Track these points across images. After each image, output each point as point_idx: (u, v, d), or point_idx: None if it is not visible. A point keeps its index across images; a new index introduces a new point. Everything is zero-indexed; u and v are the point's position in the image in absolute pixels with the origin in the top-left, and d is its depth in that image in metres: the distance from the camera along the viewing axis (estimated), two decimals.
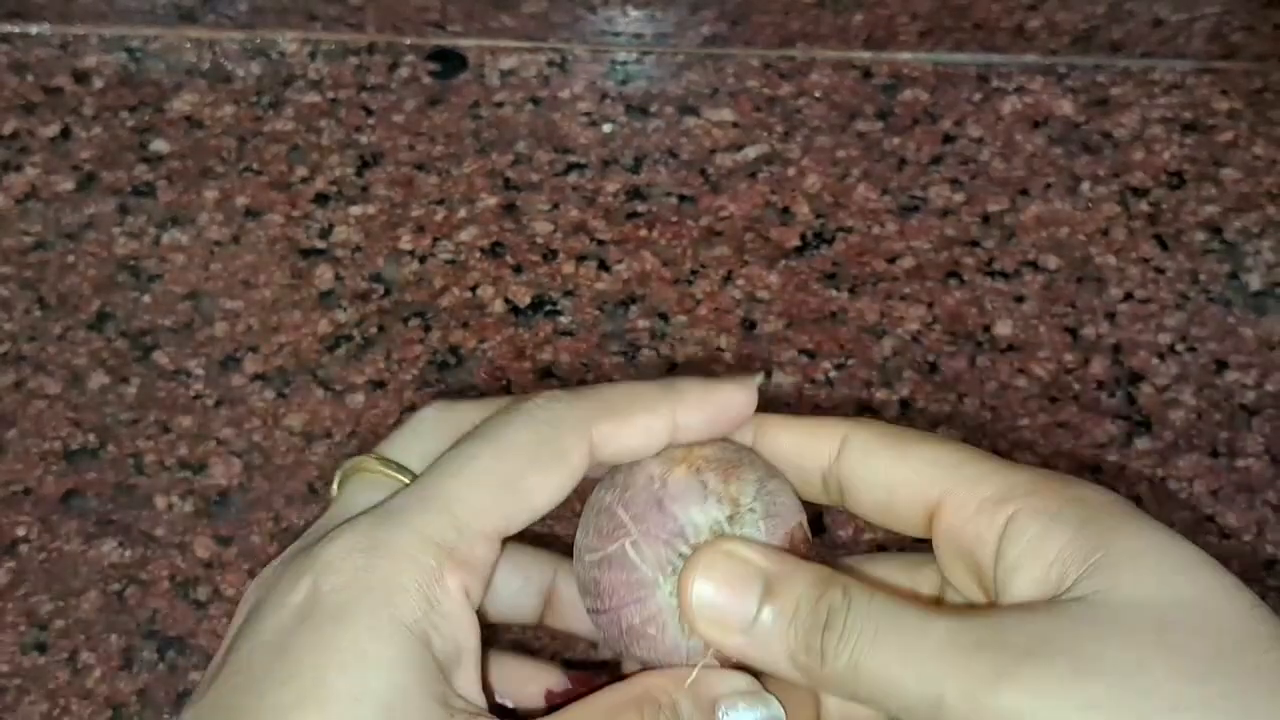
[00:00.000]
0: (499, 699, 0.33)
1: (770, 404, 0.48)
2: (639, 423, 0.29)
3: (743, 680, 0.29)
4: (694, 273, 0.51)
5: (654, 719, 0.27)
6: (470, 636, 0.27)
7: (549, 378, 0.49)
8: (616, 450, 0.29)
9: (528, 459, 0.28)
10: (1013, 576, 0.27)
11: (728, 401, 0.31)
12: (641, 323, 0.51)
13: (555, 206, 0.53)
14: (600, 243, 0.52)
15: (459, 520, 0.27)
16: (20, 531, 0.46)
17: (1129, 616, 0.24)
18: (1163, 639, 0.24)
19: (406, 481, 0.29)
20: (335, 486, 0.31)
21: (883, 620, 0.26)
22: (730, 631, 0.28)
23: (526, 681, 0.34)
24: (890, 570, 0.32)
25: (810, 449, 0.30)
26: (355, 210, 0.53)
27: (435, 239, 0.53)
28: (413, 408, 0.49)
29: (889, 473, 0.29)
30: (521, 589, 0.34)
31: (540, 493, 0.28)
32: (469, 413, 0.30)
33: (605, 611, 0.30)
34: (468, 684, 0.27)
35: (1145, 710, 0.23)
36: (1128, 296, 0.51)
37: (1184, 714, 0.23)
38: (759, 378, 0.31)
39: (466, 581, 0.27)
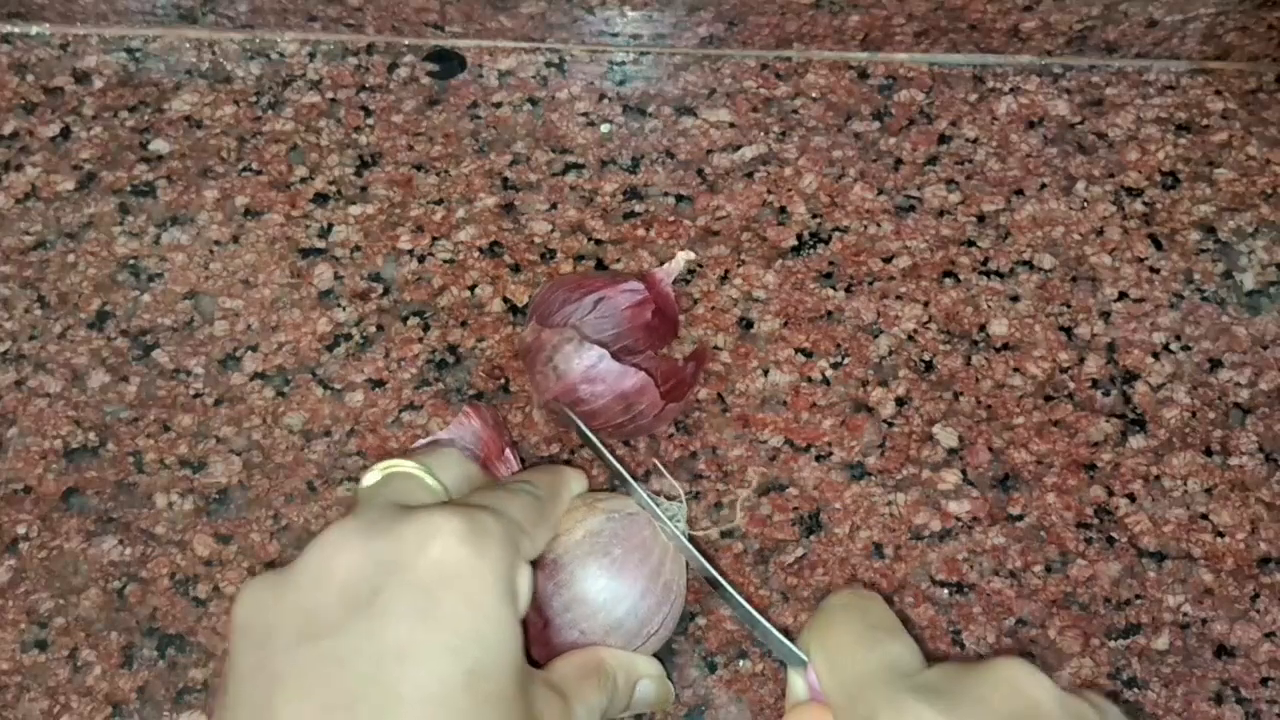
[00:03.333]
0: None
1: (766, 403, 0.49)
2: (557, 512, 0.40)
3: (656, 667, 0.41)
4: (691, 272, 0.52)
5: (604, 682, 0.38)
6: (526, 607, 0.34)
7: None
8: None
9: (539, 513, 0.38)
10: None
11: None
12: None
13: (553, 206, 0.54)
14: (598, 242, 0.53)
15: (519, 530, 0.35)
16: (21, 529, 0.47)
17: None
18: None
19: (439, 491, 0.37)
20: (377, 475, 0.36)
21: None
22: None
23: None
24: None
25: None
26: (354, 210, 0.53)
27: (434, 238, 0.53)
28: (412, 406, 0.49)
29: None
30: None
31: (543, 537, 0.38)
32: (471, 467, 0.40)
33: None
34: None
35: None
36: (1122, 296, 0.52)
37: None
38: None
39: (525, 569, 0.34)
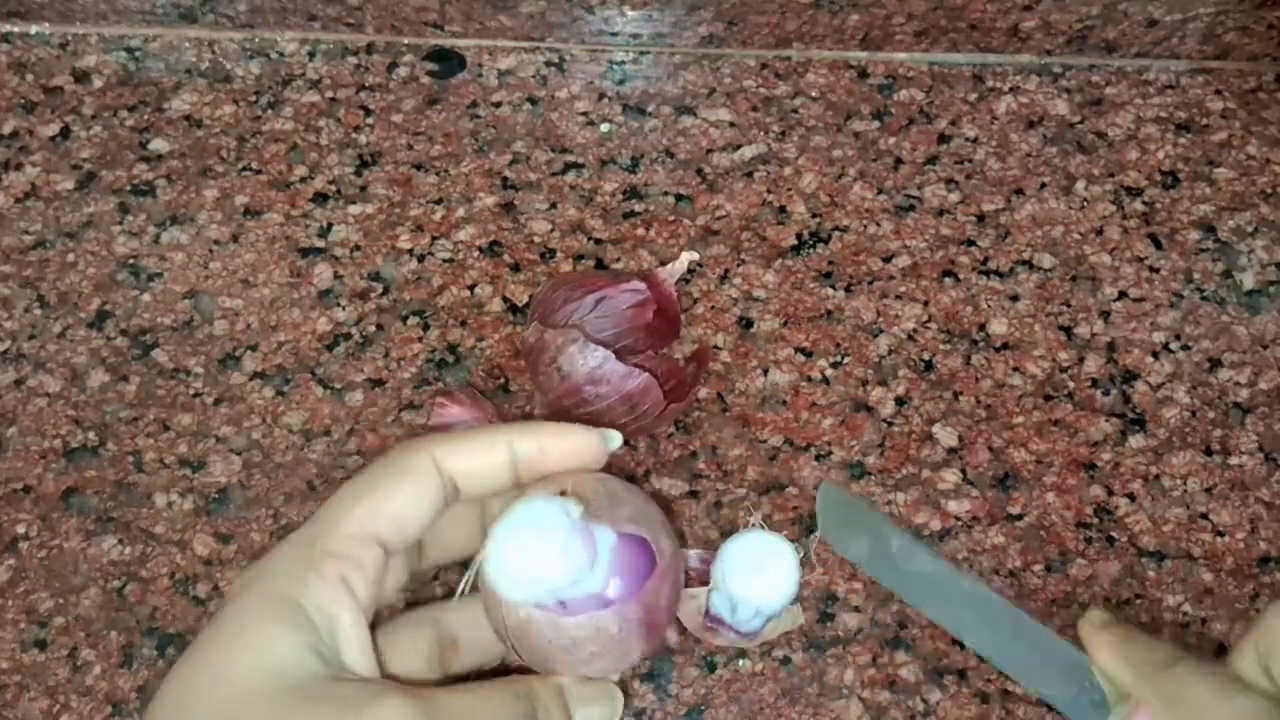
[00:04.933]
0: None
1: (766, 402, 0.49)
2: (474, 443, 0.35)
3: (600, 690, 0.36)
4: (691, 271, 0.52)
5: (524, 697, 0.34)
6: (346, 611, 0.32)
7: None
8: (461, 469, 0.35)
9: (376, 477, 0.34)
10: None
11: (565, 432, 0.36)
12: None
13: (553, 206, 0.54)
14: (598, 242, 0.53)
15: (323, 526, 0.33)
16: (20, 529, 0.47)
17: None
18: None
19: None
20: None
21: None
22: None
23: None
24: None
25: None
26: (354, 209, 0.53)
27: (434, 238, 0.53)
28: (411, 406, 0.49)
29: None
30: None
31: (392, 495, 0.34)
32: None
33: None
34: (353, 655, 0.32)
35: None
36: (1122, 295, 0.52)
37: None
38: (612, 436, 0.36)
39: (340, 570, 0.32)
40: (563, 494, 0.34)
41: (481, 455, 0.35)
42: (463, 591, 0.34)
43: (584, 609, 0.33)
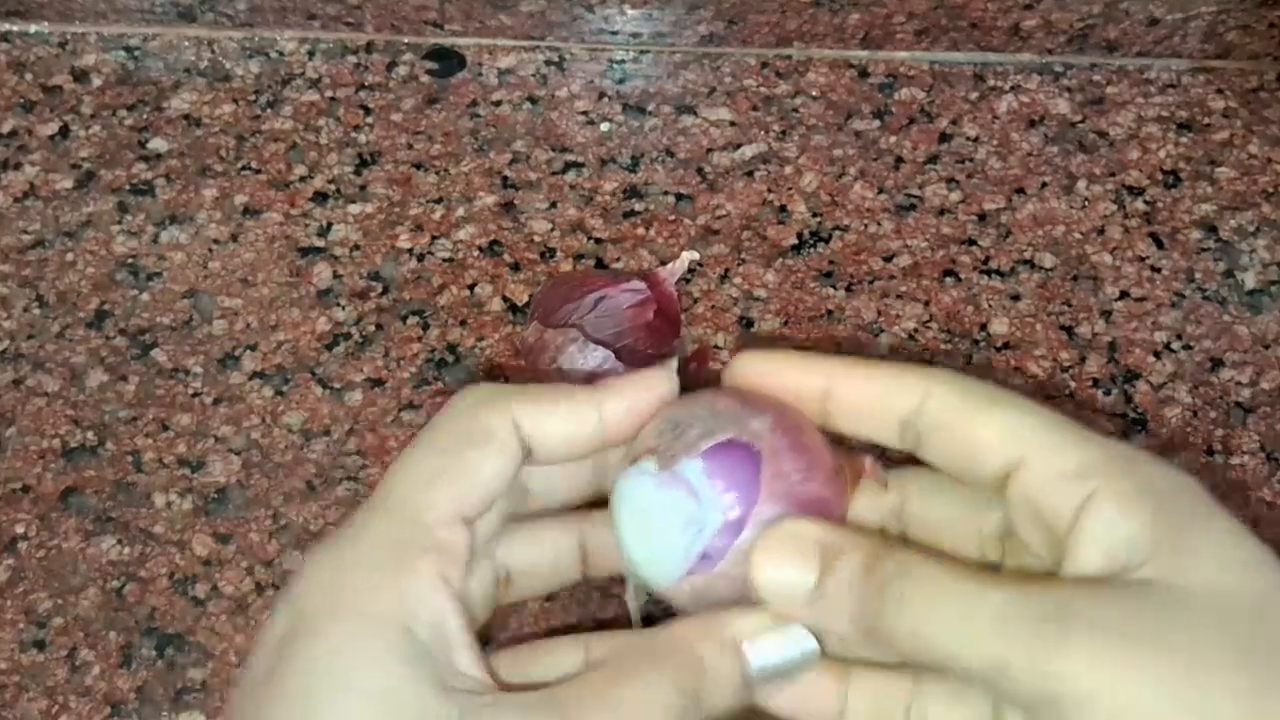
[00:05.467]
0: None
1: None
2: (560, 407, 0.30)
3: (765, 617, 0.30)
4: (691, 271, 0.52)
5: (685, 687, 0.28)
6: (452, 616, 0.28)
7: None
8: (544, 434, 0.30)
9: (457, 441, 0.29)
10: (1082, 550, 0.27)
11: (649, 384, 0.32)
12: None
13: (553, 205, 0.53)
14: (598, 241, 0.52)
15: (407, 515, 0.28)
16: (19, 529, 0.47)
17: (1191, 603, 0.25)
18: (1223, 626, 0.25)
19: None
20: None
21: (939, 588, 0.27)
22: (796, 603, 0.29)
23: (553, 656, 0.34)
24: (953, 502, 0.33)
25: (892, 399, 0.31)
26: (354, 209, 0.53)
27: (433, 237, 0.53)
28: (411, 406, 0.49)
29: (970, 432, 0.30)
30: (552, 557, 0.35)
31: (479, 470, 0.29)
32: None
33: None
34: (465, 662, 0.28)
35: (1205, 687, 0.24)
36: (1123, 295, 0.52)
37: (1240, 697, 0.24)
38: (673, 362, 0.32)
39: (437, 567, 0.27)
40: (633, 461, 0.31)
41: (572, 422, 0.31)
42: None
43: (724, 546, 0.30)
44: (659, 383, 0.32)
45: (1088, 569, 0.27)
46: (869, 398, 0.32)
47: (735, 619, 0.30)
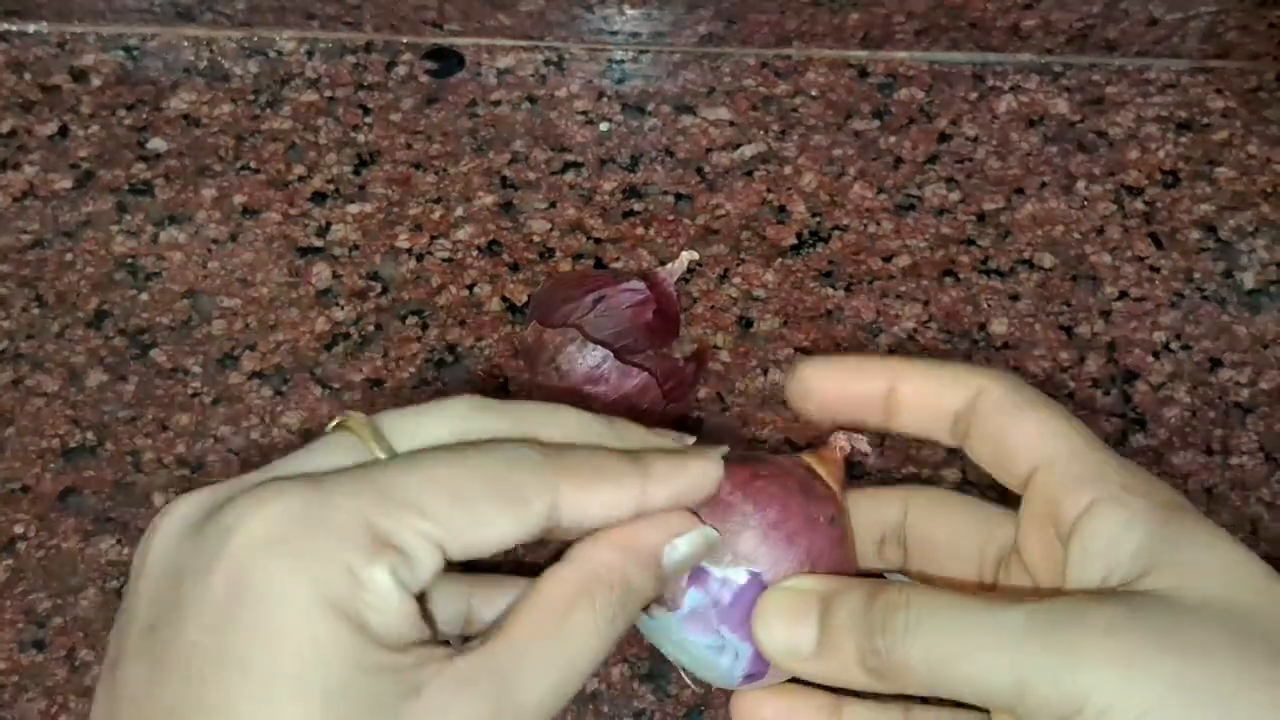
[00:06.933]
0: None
1: (767, 401, 0.49)
2: (603, 495, 0.28)
3: (675, 519, 0.30)
4: (691, 271, 0.52)
5: (607, 603, 0.27)
6: (403, 623, 0.25)
7: None
8: (577, 517, 0.28)
9: (485, 487, 0.26)
10: (1085, 558, 0.28)
11: (695, 478, 0.30)
12: None
13: (552, 205, 0.53)
14: (597, 241, 0.52)
15: (395, 508, 0.25)
16: (18, 529, 0.47)
17: (1196, 611, 0.26)
18: (1229, 631, 0.25)
19: (381, 457, 0.28)
20: (328, 429, 0.29)
21: (948, 613, 0.27)
22: (802, 659, 0.30)
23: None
24: (957, 520, 0.34)
25: (948, 394, 0.32)
26: (353, 209, 0.53)
27: (433, 237, 0.53)
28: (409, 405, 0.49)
29: (1011, 429, 0.31)
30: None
31: (489, 525, 0.26)
32: (497, 421, 0.29)
33: None
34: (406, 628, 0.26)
35: (1221, 686, 0.24)
36: (1123, 295, 0.52)
37: (1259, 689, 0.24)
38: (723, 449, 0.31)
39: (398, 568, 0.25)
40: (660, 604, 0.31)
41: (611, 509, 0.28)
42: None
43: (767, 665, 0.31)
44: (707, 477, 0.30)
45: (1089, 578, 0.28)
46: (927, 394, 0.32)
47: (647, 531, 0.29)
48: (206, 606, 0.24)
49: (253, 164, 0.54)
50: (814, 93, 0.56)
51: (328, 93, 0.56)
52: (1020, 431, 0.30)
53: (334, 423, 0.29)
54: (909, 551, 0.34)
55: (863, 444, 0.34)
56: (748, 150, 0.55)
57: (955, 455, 0.48)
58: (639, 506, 0.29)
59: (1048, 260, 0.52)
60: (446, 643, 0.27)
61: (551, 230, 0.53)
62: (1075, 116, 0.56)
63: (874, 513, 0.34)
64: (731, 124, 0.56)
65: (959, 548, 0.33)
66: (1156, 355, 0.50)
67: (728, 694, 0.44)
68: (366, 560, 0.24)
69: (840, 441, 0.34)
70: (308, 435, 0.48)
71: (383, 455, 0.28)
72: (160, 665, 0.25)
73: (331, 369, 0.50)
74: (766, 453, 0.35)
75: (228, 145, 0.55)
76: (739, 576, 0.31)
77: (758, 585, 0.31)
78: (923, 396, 0.32)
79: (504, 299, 0.51)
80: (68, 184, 0.54)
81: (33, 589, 0.45)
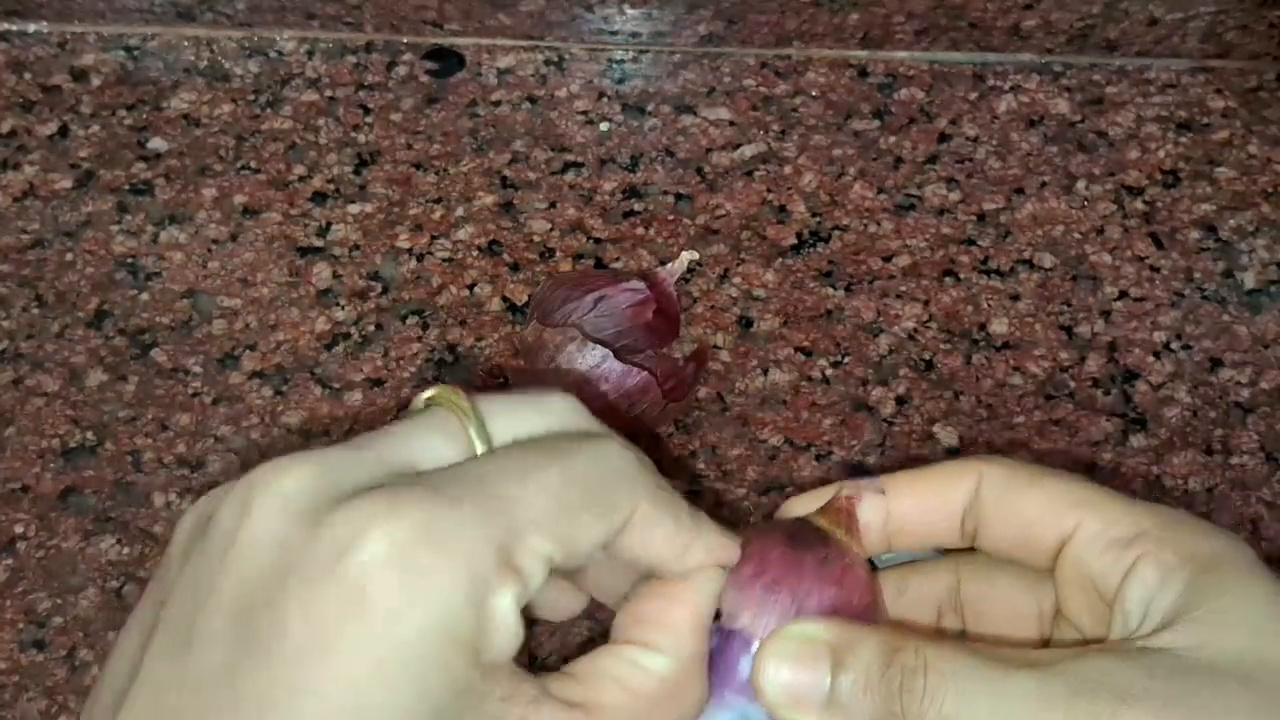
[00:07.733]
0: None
1: (766, 402, 0.49)
2: (665, 530, 0.28)
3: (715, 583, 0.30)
4: (691, 271, 0.52)
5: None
6: (514, 647, 0.25)
7: None
8: (631, 544, 0.28)
9: (586, 494, 0.26)
10: (1126, 619, 0.28)
11: (729, 550, 0.30)
12: None
13: (552, 205, 0.53)
14: (597, 241, 0.52)
15: (518, 528, 0.25)
16: (18, 529, 0.47)
17: (1217, 670, 0.26)
18: (1247, 692, 0.25)
19: (480, 450, 0.27)
20: (420, 402, 0.29)
21: (966, 676, 0.27)
22: (808, 709, 0.28)
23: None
24: (1011, 580, 0.33)
25: (948, 494, 0.31)
26: (353, 208, 0.53)
27: (433, 237, 0.53)
28: (409, 405, 0.49)
29: (1025, 506, 0.30)
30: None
31: (587, 533, 0.26)
32: (590, 422, 0.29)
33: None
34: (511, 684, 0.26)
35: None
36: (1123, 295, 0.52)
37: None
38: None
39: (516, 591, 0.25)
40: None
41: (657, 548, 0.28)
42: None
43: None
44: (731, 551, 0.30)
45: (1130, 628, 0.28)
46: (926, 503, 0.32)
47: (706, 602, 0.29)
48: (313, 614, 0.23)
49: (253, 164, 0.54)
50: (814, 93, 0.56)
51: (328, 93, 0.56)
52: (1034, 506, 0.30)
53: (427, 394, 0.28)
54: (966, 619, 0.34)
55: (871, 488, 0.33)
56: (748, 150, 0.55)
57: (956, 454, 0.48)
58: (682, 557, 0.29)
59: (1048, 260, 0.52)
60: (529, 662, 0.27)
61: (552, 230, 0.53)
62: (1075, 116, 0.56)
63: (927, 586, 0.34)
64: (731, 124, 0.56)
65: (1016, 607, 0.33)
66: (1157, 355, 0.50)
67: None
68: (492, 588, 0.24)
69: (845, 492, 0.33)
70: (308, 435, 0.48)
71: (481, 447, 0.27)
72: (250, 655, 0.23)
73: (332, 369, 0.50)
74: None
75: (228, 145, 0.55)
76: (714, 636, 0.30)
77: (742, 642, 0.30)
78: (921, 506, 0.32)
79: (504, 299, 0.51)
80: (68, 184, 0.54)
81: (33, 589, 0.45)
